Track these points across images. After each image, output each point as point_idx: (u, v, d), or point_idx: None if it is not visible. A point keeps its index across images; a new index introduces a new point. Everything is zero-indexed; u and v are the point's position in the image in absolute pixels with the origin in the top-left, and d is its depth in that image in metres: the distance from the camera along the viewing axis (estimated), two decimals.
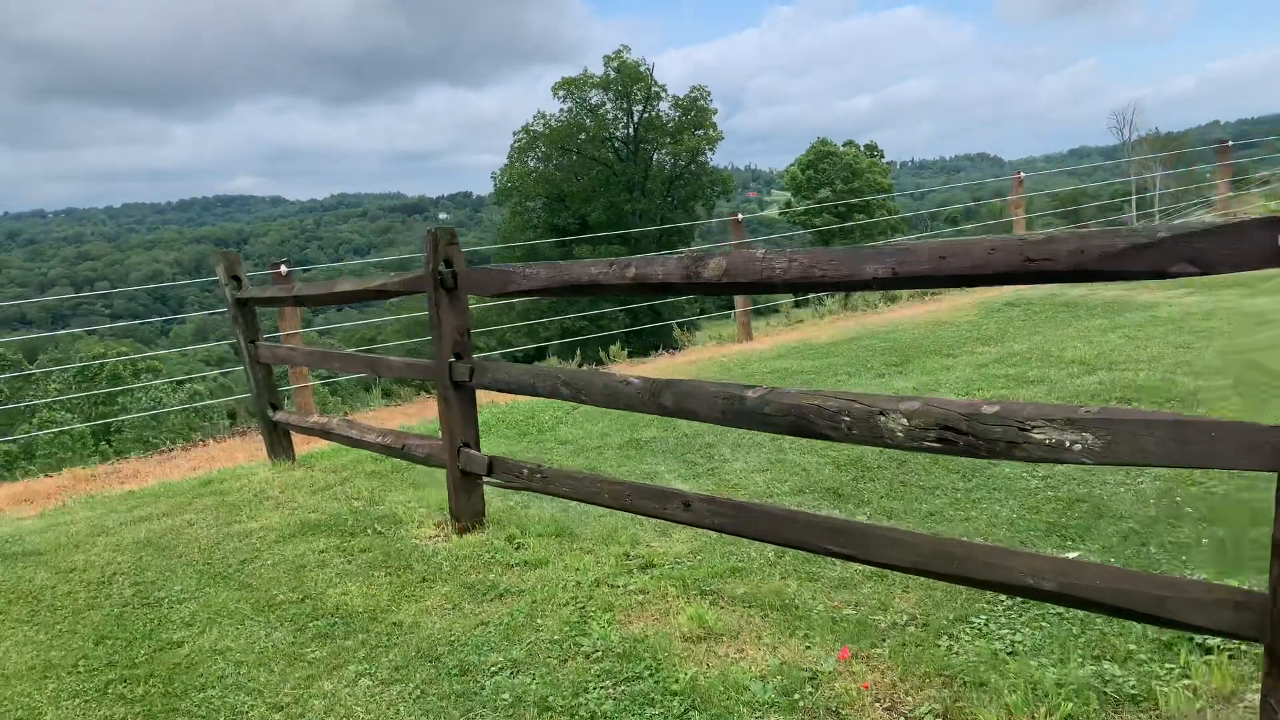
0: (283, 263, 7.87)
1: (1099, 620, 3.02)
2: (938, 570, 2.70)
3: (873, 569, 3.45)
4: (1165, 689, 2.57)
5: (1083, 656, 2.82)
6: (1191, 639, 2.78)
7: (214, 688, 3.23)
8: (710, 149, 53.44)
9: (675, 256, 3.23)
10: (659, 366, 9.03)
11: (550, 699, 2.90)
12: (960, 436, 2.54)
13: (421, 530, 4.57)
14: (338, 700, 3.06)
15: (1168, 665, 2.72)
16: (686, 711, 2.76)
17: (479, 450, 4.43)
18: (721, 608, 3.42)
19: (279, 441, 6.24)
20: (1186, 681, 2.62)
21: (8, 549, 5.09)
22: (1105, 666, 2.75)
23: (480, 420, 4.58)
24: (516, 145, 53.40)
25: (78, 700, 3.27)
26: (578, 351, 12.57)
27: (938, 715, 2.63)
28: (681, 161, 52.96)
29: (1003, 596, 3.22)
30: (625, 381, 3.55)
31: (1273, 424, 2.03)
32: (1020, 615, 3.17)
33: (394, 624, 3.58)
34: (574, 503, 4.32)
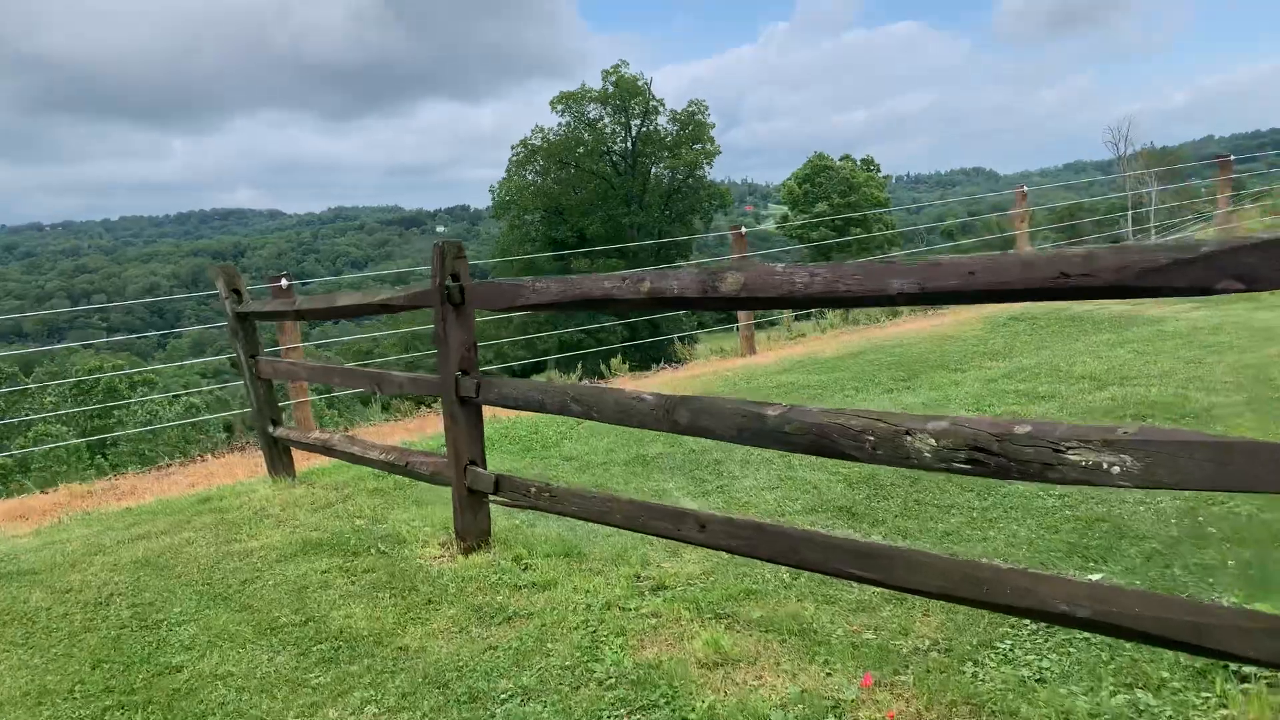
0: (283, 276, 7.79)
1: (1128, 646, 2.93)
2: (966, 596, 2.61)
3: (891, 591, 3.37)
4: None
5: (1114, 684, 2.73)
6: (1227, 666, 2.70)
7: (214, 715, 3.13)
8: (708, 163, 53.54)
9: (691, 270, 3.15)
10: (663, 381, 8.94)
11: None
12: (991, 458, 2.46)
13: (426, 550, 4.47)
14: None
15: (1203, 694, 2.63)
16: None
17: (485, 468, 4.34)
18: (737, 632, 3.32)
19: (279, 458, 6.14)
20: (1224, 712, 2.53)
21: (2, 568, 4.98)
22: (1139, 695, 2.66)
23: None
24: (515, 159, 53.46)
25: None
26: (579, 365, 12.50)
27: None
28: (679, 175, 53.05)
29: (1027, 620, 3.13)
30: (638, 398, 3.46)
31: None
32: (1046, 640, 3.08)
33: (400, 648, 3.49)
34: (581, 521, 4.23)
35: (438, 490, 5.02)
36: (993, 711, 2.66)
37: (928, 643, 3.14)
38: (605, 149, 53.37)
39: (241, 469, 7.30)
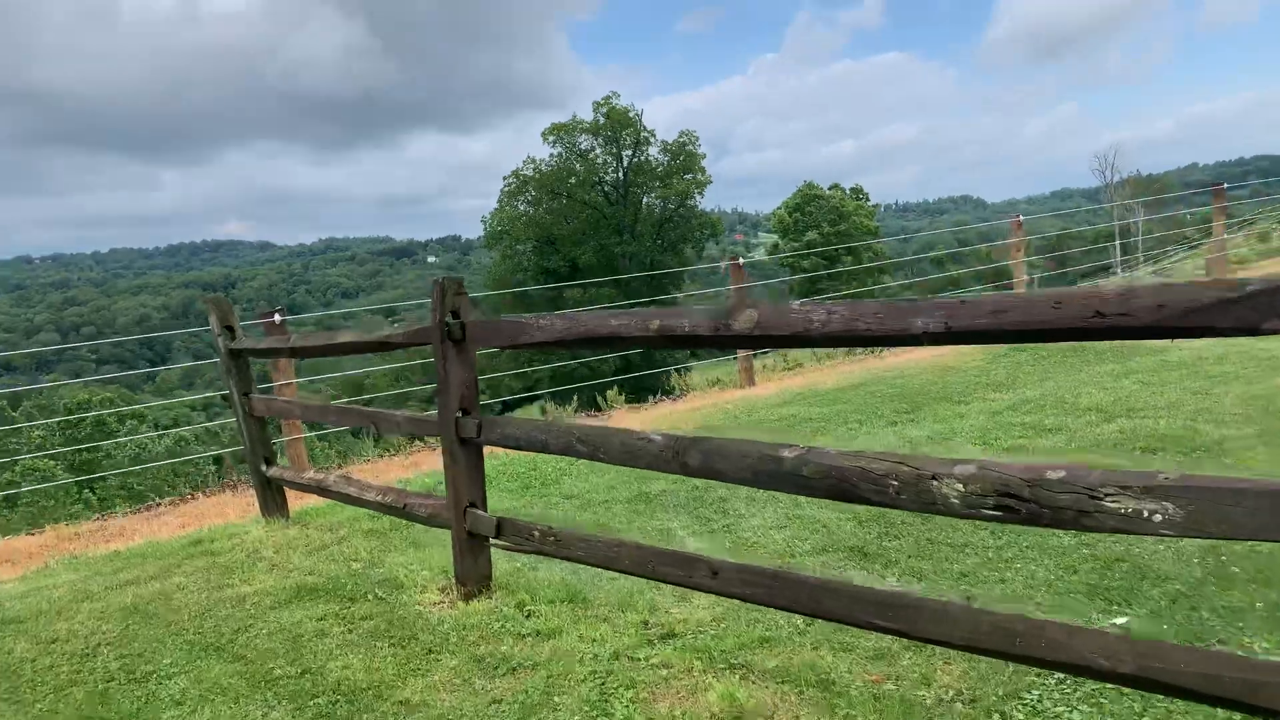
0: (276, 311, 7.67)
1: (1159, 698, 2.81)
2: (996, 648, 2.50)
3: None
4: None
5: None
6: None
7: None
8: (699, 192, 53.75)
9: (703, 307, 3.06)
10: (662, 414, 8.83)
11: None
12: (1022, 504, 2.35)
13: (425, 596, 4.33)
14: None
15: None
16: None
17: (486, 510, 4.21)
18: (753, 683, 3.20)
19: (272, 498, 5.99)
20: None
21: None
22: None
23: None
24: (507, 190, 53.59)
25: None
26: (574, 398, 12.38)
27: None
28: (671, 205, 53.22)
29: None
30: (646, 439, 3.35)
31: None
32: (1075, 690, 2.96)
33: (400, 702, 3.34)
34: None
35: (435, 531, 4.89)
36: None
37: (951, 693, 3.01)
38: (597, 179, 53.56)
39: (233, 509, 7.14)
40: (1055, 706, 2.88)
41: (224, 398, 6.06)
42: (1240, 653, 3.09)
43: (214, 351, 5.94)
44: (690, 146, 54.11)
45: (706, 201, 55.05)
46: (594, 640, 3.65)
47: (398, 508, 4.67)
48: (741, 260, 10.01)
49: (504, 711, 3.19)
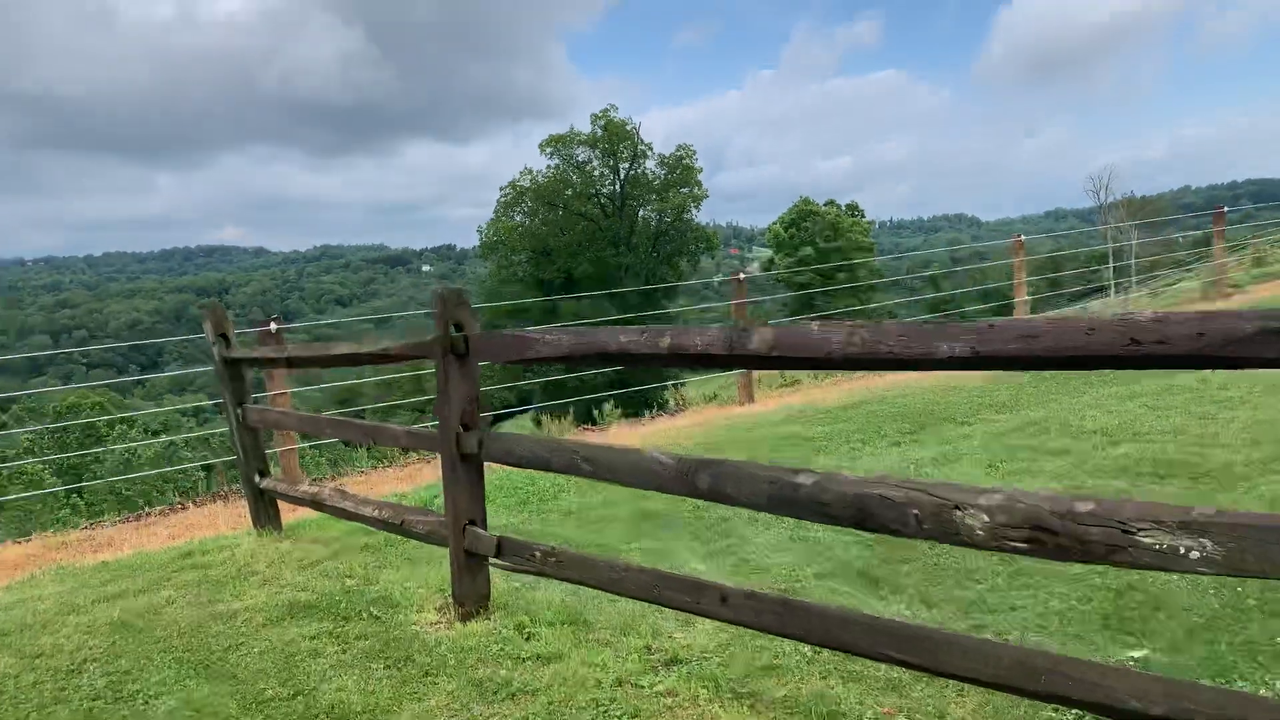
0: (273, 319, 7.57)
1: None
2: (1020, 686, 2.41)
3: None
4: None
5: None
6: None
7: None
8: (696, 206, 53.75)
9: (716, 326, 2.98)
10: (661, 430, 8.74)
11: None
12: (1051, 537, 2.27)
13: (421, 615, 4.22)
14: None
15: None
16: None
17: (486, 529, 4.11)
18: (760, 714, 3.10)
19: (265, 510, 5.88)
20: None
21: None
22: None
23: None
24: (503, 200, 53.51)
25: None
26: (569, 411, 12.28)
27: None
28: (667, 218, 53.21)
29: None
30: (655, 460, 3.26)
31: None
32: None
33: None
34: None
35: (431, 547, 4.79)
36: None
37: None
38: (593, 191, 53.53)
39: (224, 520, 7.02)
40: None
41: (215, 403, 5.95)
42: (1267, 694, 3.01)
43: (206, 359, 5.83)
44: (687, 160, 54.13)
45: (701, 215, 54.99)
46: (596, 665, 3.54)
47: (395, 524, 4.57)
48: (744, 275, 9.95)
49: None
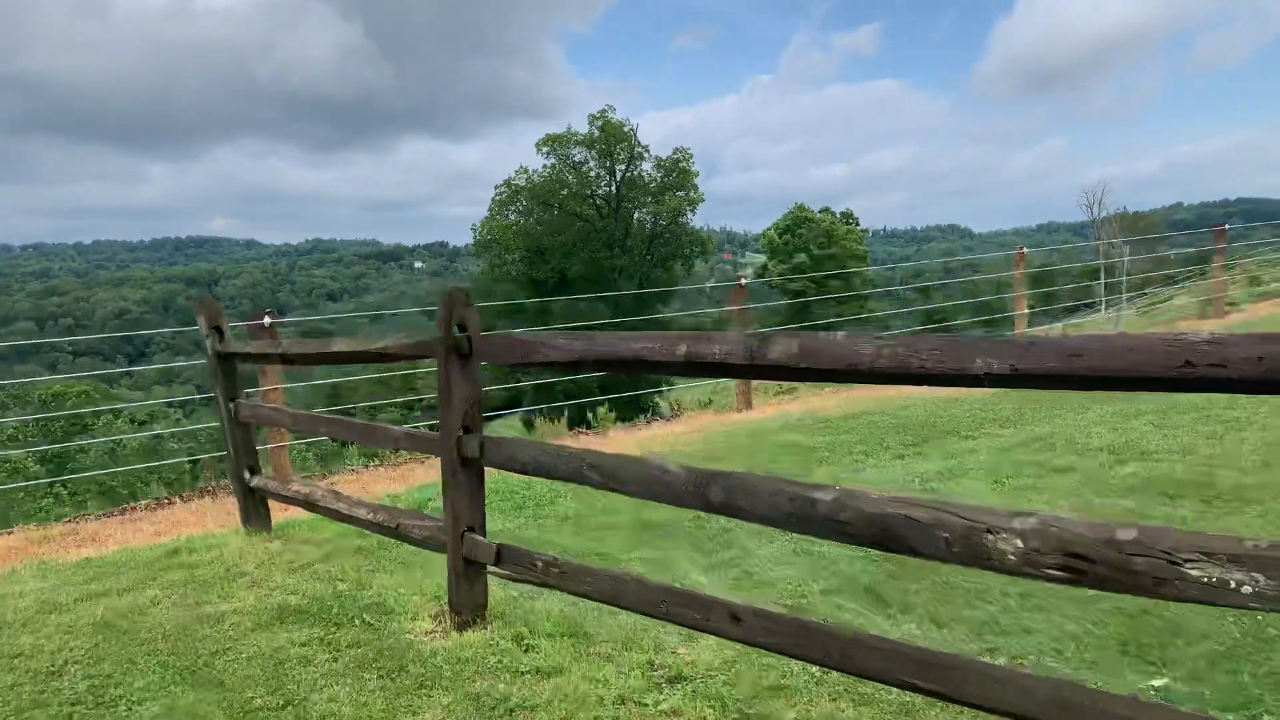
0: (266, 313, 7.42)
1: None
2: None
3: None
4: None
5: None
6: None
7: None
8: (692, 210, 53.62)
9: (736, 333, 2.86)
10: (659, 435, 8.62)
11: None
12: (1090, 566, 2.17)
13: (416, 624, 4.09)
14: None
15: None
16: None
17: (485, 535, 3.99)
18: None
19: (255, 509, 5.74)
20: None
21: None
22: None
23: None
24: (498, 198, 53.28)
25: None
26: (564, 414, 12.15)
27: None
28: (662, 221, 53.07)
29: None
30: (664, 469, 3.14)
31: None
32: None
33: None
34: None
35: (425, 551, 4.66)
36: None
37: None
38: (589, 192, 53.33)
39: (212, 517, 6.87)
40: None
41: (203, 395, 5.81)
42: None
43: (196, 350, 5.69)
44: (684, 163, 54.00)
45: (695, 219, 54.82)
46: (598, 681, 3.42)
47: (390, 527, 4.44)
48: (745, 281, 9.84)
49: None
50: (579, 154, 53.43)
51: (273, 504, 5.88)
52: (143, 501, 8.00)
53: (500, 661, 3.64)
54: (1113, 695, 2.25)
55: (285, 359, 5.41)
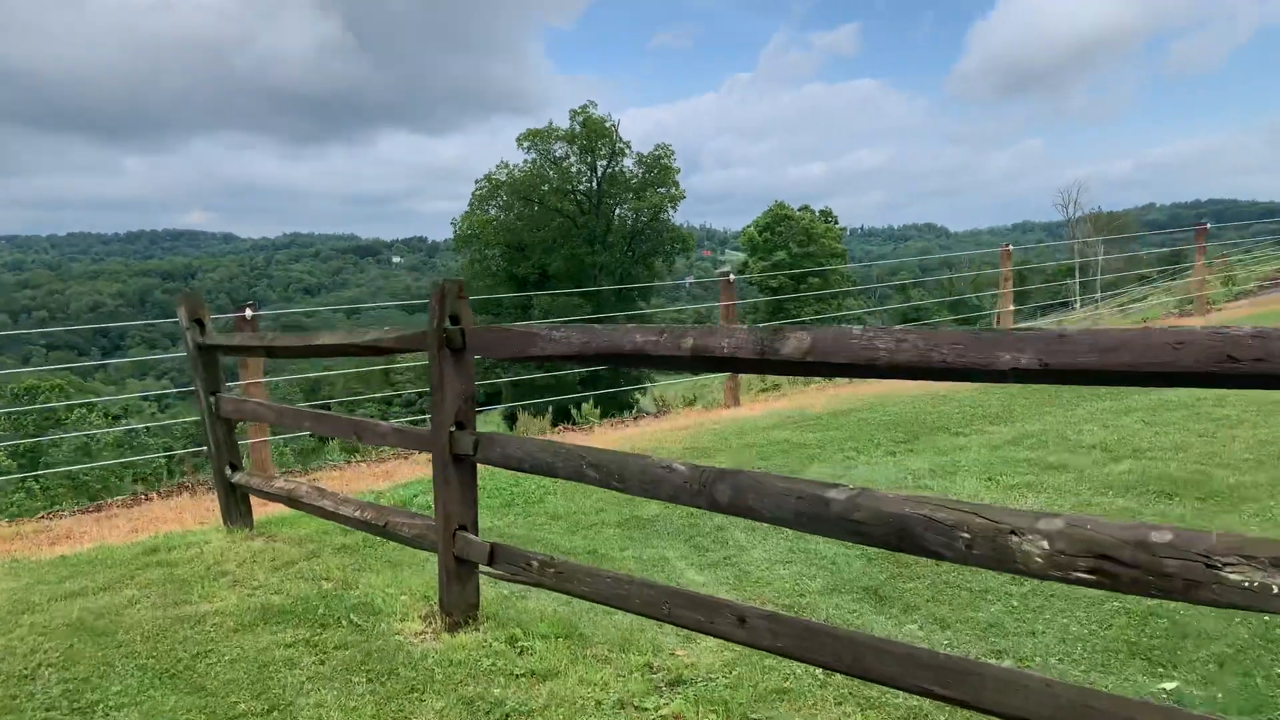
0: (248, 306, 7.26)
1: None
2: None
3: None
4: None
5: None
6: None
7: None
8: (673, 206, 53.50)
9: (745, 327, 2.76)
10: (647, 432, 8.51)
11: None
12: (1122, 569, 2.08)
13: (406, 625, 3.97)
14: None
15: None
16: None
17: (478, 534, 3.87)
18: None
19: (236, 505, 5.59)
20: None
21: None
22: None
23: None
24: (478, 193, 52.93)
25: None
26: (549, 410, 12.03)
27: None
28: (643, 218, 52.91)
29: None
30: (668, 468, 3.03)
31: None
32: None
33: None
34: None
35: (412, 549, 4.54)
36: None
37: None
38: (570, 188, 53.07)
39: (191, 514, 6.71)
40: None
41: (182, 393, 5.65)
42: None
43: (172, 344, 5.54)
44: (665, 160, 53.85)
45: (676, 216, 54.67)
46: (595, 684, 3.32)
47: (378, 525, 4.31)
48: (733, 277, 9.76)
49: None
50: (560, 149, 53.19)
51: (254, 501, 5.74)
52: (118, 497, 7.80)
53: (494, 664, 3.53)
54: (1139, 701, 2.17)
55: (270, 352, 5.25)
